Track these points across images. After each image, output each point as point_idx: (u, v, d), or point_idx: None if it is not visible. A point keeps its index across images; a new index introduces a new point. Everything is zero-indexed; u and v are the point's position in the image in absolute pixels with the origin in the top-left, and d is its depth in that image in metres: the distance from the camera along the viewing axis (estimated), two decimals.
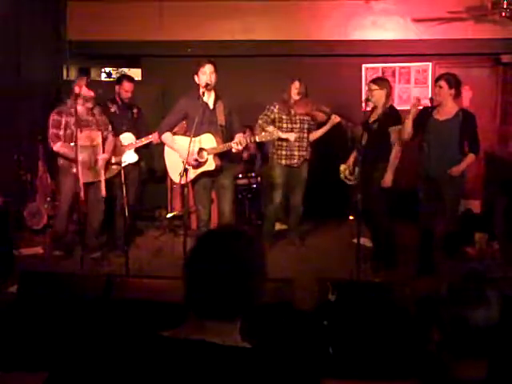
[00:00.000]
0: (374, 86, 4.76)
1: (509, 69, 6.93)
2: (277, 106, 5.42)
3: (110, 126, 5.19)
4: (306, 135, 5.51)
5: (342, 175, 5.10)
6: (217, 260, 1.28)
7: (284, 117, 5.41)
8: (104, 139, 5.09)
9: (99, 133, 5.04)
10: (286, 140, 5.30)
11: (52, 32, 6.92)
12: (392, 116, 4.76)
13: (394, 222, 4.96)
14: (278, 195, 5.53)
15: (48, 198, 6.12)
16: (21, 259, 4.94)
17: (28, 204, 5.93)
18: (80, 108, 4.92)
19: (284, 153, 5.46)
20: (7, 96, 5.93)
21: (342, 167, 5.11)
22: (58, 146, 4.87)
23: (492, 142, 6.89)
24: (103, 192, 4.97)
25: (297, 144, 5.41)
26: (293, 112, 5.42)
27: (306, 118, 5.47)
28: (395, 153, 4.71)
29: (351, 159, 5.10)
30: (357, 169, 4.90)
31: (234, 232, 1.39)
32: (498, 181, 5.87)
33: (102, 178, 4.99)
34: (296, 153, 5.45)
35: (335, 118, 5.49)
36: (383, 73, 7.10)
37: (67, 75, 7.27)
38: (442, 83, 4.49)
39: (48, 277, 3.01)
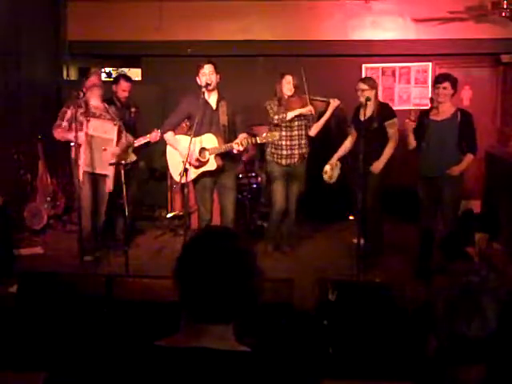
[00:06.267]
0: (365, 86, 4.80)
1: (509, 69, 6.93)
2: (276, 103, 5.14)
3: (121, 122, 5.09)
4: (304, 132, 5.22)
5: (326, 176, 5.10)
6: (208, 261, 1.24)
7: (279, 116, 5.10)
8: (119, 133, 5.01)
9: (114, 127, 4.92)
10: (286, 139, 5.13)
11: (52, 32, 6.92)
12: (385, 111, 4.90)
13: (383, 219, 5.07)
14: (281, 197, 5.25)
15: (48, 198, 6.11)
16: (21, 259, 4.94)
17: (28, 204, 5.92)
18: (92, 98, 4.91)
19: (285, 153, 5.16)
20: (7, 96, 5.93)
21: (328, 167, 5.11)
22: (57, 132, 4.88)
23: (492, 142, 6.88)
24: (110, 187, 4.90)
25: (296, 142, 5.18)
26: (287, 109, 5.08)
27: (302, 112, 5.12)
28: (392, 146, 4.84)
29: (335, 159, 5.17)
30: (337, 168, 5.10)
31: (224, 232, 1.36)
32: (498, 181, 5.86)
33: (110, 173, 4.90)
34: (296, 151, 5.18)
35: (334, 102, 5.21)
36: (383, 73, 7.10)
37: (67, 75, 7.28)
38: (447, 84, 4.47)
39: (48, 277, 3.02)
